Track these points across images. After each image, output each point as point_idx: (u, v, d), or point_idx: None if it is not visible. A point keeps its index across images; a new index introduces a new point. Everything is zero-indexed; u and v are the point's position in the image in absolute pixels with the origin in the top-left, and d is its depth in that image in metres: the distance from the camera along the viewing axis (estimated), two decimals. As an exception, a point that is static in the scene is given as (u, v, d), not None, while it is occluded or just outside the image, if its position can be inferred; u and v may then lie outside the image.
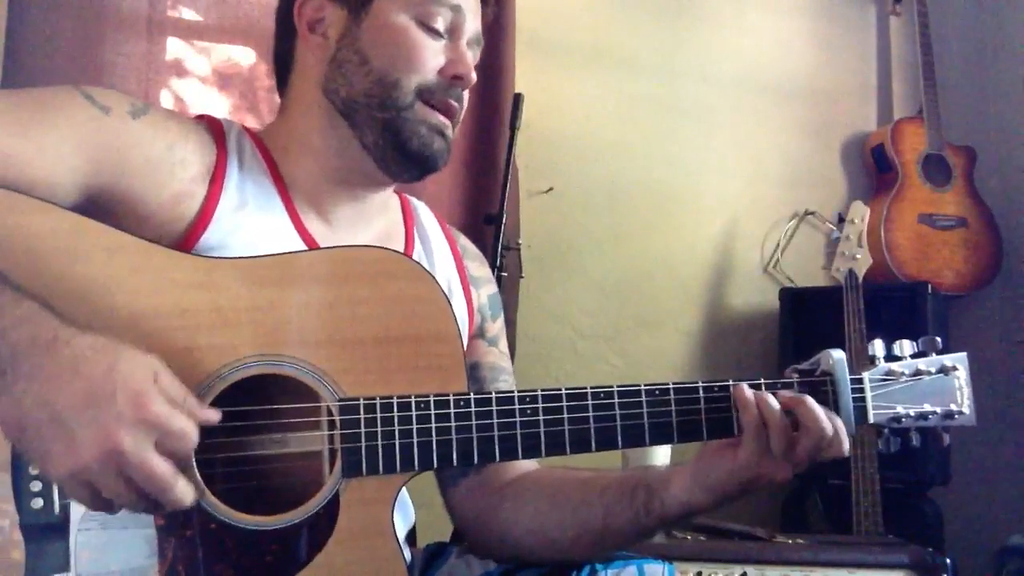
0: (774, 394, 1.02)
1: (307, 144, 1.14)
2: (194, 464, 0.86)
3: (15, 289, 0.83)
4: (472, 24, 1.16)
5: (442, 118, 1.13)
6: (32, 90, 1.01)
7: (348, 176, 1.15)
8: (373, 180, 1.16)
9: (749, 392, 1.02)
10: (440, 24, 1.12)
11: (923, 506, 2.53)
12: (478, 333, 1.26)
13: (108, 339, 0.82)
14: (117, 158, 1.00)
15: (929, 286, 2.59)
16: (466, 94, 1.18)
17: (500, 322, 1.30)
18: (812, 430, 1.00)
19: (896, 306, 2.56)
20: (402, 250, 1.21)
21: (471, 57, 1.16)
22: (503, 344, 1.30)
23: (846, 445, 1.02)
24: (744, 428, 1.01)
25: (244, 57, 2.44)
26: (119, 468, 0.79)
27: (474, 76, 1.15)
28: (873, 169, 2.99)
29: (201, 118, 1.15)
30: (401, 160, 1.13)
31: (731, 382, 1.03)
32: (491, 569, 1.15)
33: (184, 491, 0.82)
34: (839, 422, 1.02)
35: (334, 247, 1.07)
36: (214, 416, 0.87)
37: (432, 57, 1.12)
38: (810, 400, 1.01)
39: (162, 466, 0.80)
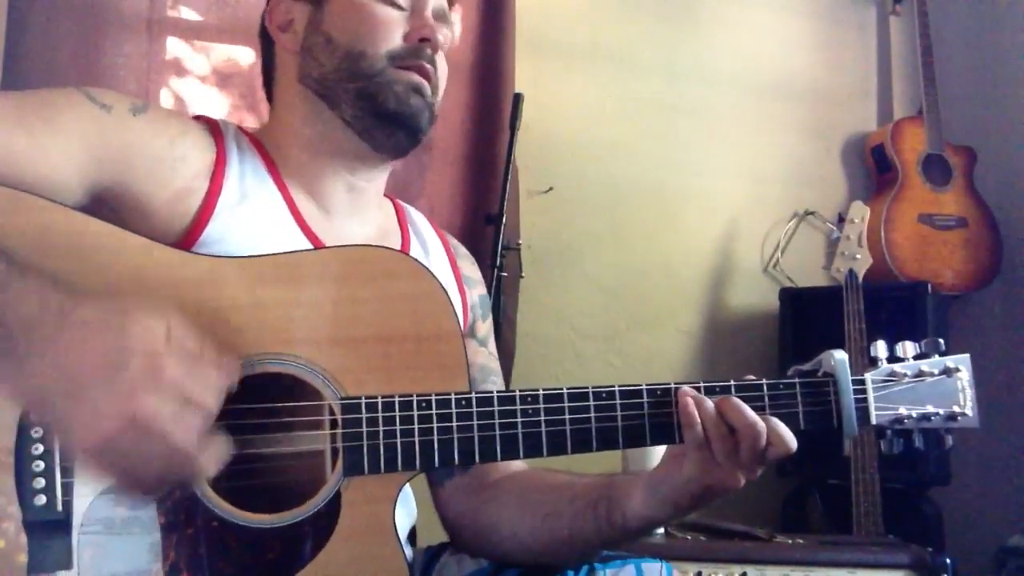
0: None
1: (295, 134, 1.17)
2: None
3: (20, 265, 0.82)
4: (437, 0, 1.18)
5: (417, 77, 1.14)
6: (36, 91, 1.02)
7: (338, 160, 1.17)
8: (363, 160, 1.18)
9: (691, 403, 0.98)
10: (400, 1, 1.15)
11: (923, 506, 2.54)
12: (470, 333, 1.27)
13: (114, 301, 0.80)
14: (121, 156, 1.01)
15: (929, 286, 2.59)
16: (442, 63, 1.19)
17: (489, 323, 1.31)
18: (744, 432, 0.97)
19: (896, 306, 2.56)
20: (399, 248, 1.22)
21: (438, 27, 1.17)
22: (492, 345, 1.31)
23: (790, 442, 0.98)
24: (685, 439, 0.99)
25: (244, 57, 2.44)
26: (142, 437, 0.76)
27: (442, 39, 1.16)
28: (873, 169, 3.00)
29: (198, 118, 1.16)
30: (382, 125, 1.14)
31: (673, 384, 1.01)
32: (483, 566, 1.16)
33: (207, 463, 0.81)
34: (775, 421, 0.99)
35: (337, 247, 1.08)
36: (233, 369, 0.84)
37: (395, 28, 1.14)
38: (735, 401, 0.98)
39: (183, 435, 0.78)
